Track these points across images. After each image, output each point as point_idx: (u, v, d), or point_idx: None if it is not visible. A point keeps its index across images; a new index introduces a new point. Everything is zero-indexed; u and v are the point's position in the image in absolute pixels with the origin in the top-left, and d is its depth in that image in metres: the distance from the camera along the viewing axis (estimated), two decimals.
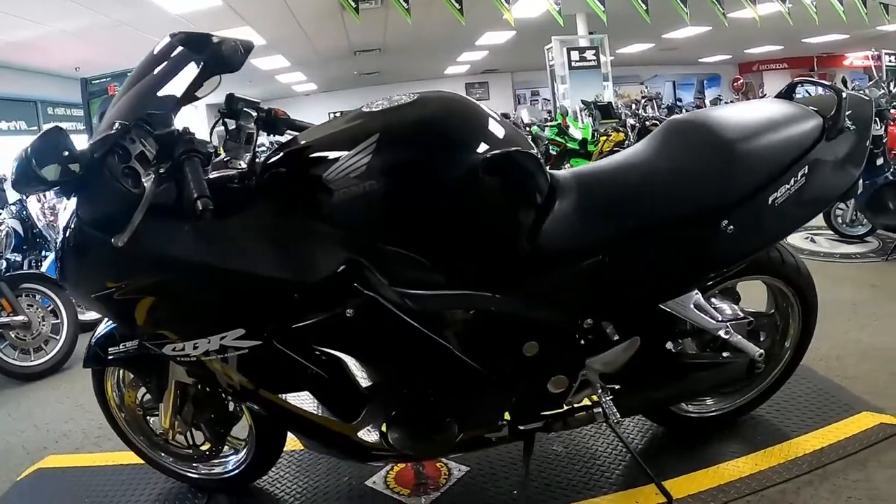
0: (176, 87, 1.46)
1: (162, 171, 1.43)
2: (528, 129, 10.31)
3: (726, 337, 1.77)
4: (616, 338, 1.71)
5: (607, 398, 1.75)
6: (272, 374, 1.66)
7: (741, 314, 1.90)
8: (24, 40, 9.65)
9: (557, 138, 8.46)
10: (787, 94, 1.94)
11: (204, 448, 2.12)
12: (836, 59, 19.67)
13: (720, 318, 1.79)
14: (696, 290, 1.75)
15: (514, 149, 1.54)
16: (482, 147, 1.51)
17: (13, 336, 3.85)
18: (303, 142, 1.57)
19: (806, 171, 1.70)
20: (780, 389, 2.27)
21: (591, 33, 10.75)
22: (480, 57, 17.50)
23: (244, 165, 1.64)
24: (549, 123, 9.40)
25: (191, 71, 1.45)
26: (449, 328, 1.61)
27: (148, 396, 2.11)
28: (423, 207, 1.49)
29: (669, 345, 1.89)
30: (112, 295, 1.49)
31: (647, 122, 8.52)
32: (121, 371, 2.11)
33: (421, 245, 1.50)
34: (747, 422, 2.30)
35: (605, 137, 9.29)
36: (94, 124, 7.45)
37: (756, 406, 2.27)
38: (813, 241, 5.18)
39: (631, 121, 8.82)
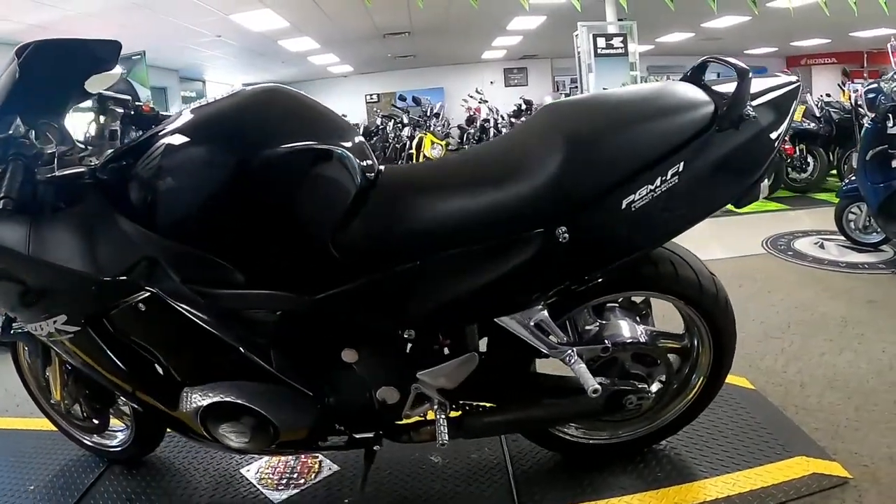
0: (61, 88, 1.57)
1: None
2: None
3: (570, 363, 1.57)
4: (447, 352, 1.58)
5: (441, 416, 1.62)
6: (100, 357, 1.64)
7: (626, 335, 1.72)
8: (45, 22, 9.75)
9: None
10: (694, 75, 1.62)
11: (95, 421, 2.13)
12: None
13: (564, 341, 1.62)
14: (542, 306, 1.54)
15: (317, 146, 1.45)
16: (284, 143, 1.41)
17: None
18: (139, 138, 1.51)
19: (679, 170, 1.43)
20: (721, 417, 2.12)
21: (620, 20, 10.33)
22: (515, 42, 17.21)
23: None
24: None
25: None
26: (256, 328, 1.54)
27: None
28: (212, 205, 1.41)
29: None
30: None
31: None
32: None
33: (217, 244, 1.44)
34: (655, 454, 2.05)
35: None
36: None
37: (663, 437, 2.02)
38: (822, 246, 4.81)
39: None
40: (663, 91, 1.61)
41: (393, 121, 11.95)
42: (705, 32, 15.02)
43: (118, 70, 1.65)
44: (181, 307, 1.51)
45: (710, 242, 5.68)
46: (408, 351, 1.56)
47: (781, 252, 4.75)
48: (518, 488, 1.95)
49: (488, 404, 1.75)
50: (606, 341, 1.69)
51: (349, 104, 19.54)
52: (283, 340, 1.57)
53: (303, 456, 2.18)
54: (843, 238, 4.80)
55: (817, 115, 7.32)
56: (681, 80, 1.63)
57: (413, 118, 11.16)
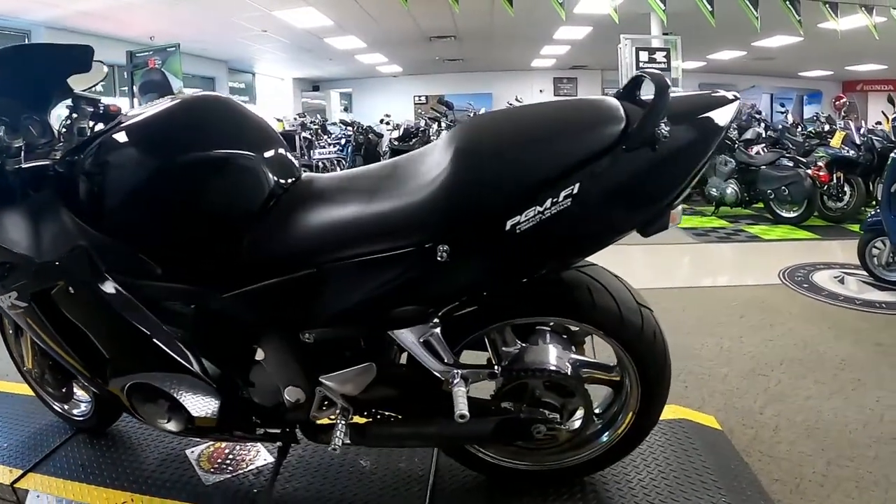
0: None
1: None
2: None
3: (452, 384, 1.55)
4: (348, 359, 1.57)
5: (341, 421, 1.62)
6: (46, 331, 1.74)
7: (538, 362, 1.65)
8: (93, 10, 10.04)
9: None
10: (627, 90, 1.48)
11: (62, 390, 2.23)
12: None
13: (448, 361, 1.56)
14: (433, 324, 1.52)
15: (230, 153, 1.56)
16: (203, 150, 1.54)
17: None
18: (88, 137, 1.65)
19: (574, 192, 1.31)
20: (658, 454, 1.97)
21: (665, 34, 10.10)
22: (564, 51, 17.07)
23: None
24: None
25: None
26: (173, 320, 1.60)
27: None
28: (133, 201, 1.51)
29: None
30: None
31: None
32: None
33: (137, 238, 1.55)
34: (583, 486, 1.94)
35: None
36: (136, 94, 7.69)
37: (592, 471, 1.91)
38: (842, 281, 4.58)
39: None
40: (574, 106, 1.50)
41: (437, 123, 11.97)
42: (757, 52, 14.68)
43: (104, 69, 1.84)
44: (105, 293, 1.59)
45: (725, 268, 5.53)
46: (310, 354, 1.57)
47: (797, 284, 4.53)
48: (432, 503, 1.90)
49: (391, 415, 1.72)
50: (497, 367, 1.63)
51: (398, 104, 19.71)
52: (198, 333, 1.62)
53: (242, 444, 2.22)
54: (865, 273, 4.56)
55: (857, 142, 7.01)
56: (614, 94, 1.51)
57: (453, 122, 11.11)
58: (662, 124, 1.31)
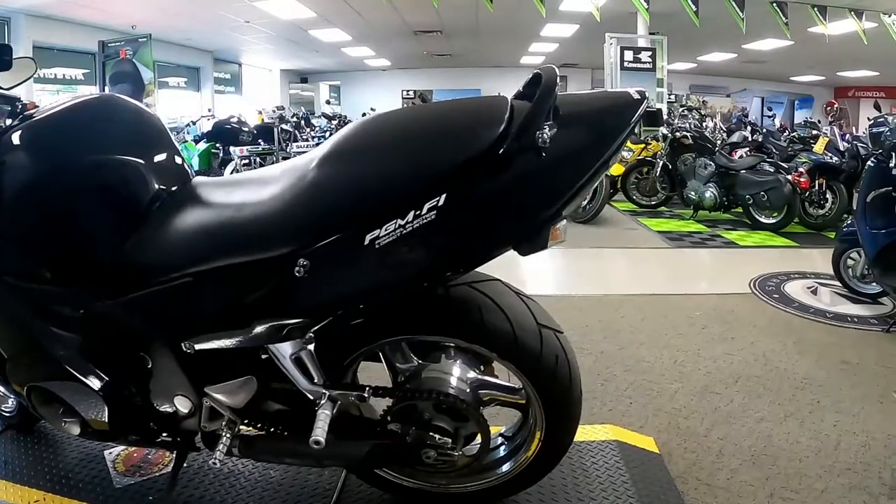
0: None
1: None
2: None
3: (319, 405, 1.47)
4: (230, 372, 1.50)
5: (227, 433, 1.55)
6: None
7: (429, 383, 1.54)
8: None
9: None
10: (526, 89, 1.28)
11: None
12: None
13: (317, 381, 1.48)
14: (305, 340, 1.41)
15: (111, 158, 1.53)
16: (88, 153, 1.52)
17: None
18: None
19: (439, 204, 1.19)
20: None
21: (652, 34, 9.93)
22: (552, 49, 17.08)
23: None
24: None
25: None
26: (66, 324, 1.55)
27: None
28: (19, 204, 1.46)
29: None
30: None
31: (677, 134, 7.72)
32: None
33: (25, 240, 1.50)
34: None
35: (641, 146, 8.59)
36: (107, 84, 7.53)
37: (502, 495, 1.77)
38: (815, 292, 4.39)
39: (663, 130, 8.02)
40: (461, 108, 1.34)
41: None
42: (748, 54, 14.57)
43: (33, 65, 1.88)
44: None
45: (694, 275, 5.33)
46: (193, 364, 1.50)
47: (767, 294, 4.33)
48: None
49: (276, 430, 1.62)
50: (369, 390, 1.51)
51: (386, 98, 19.62)
52: (88, 340, 1.56)
53: (158, 449, 2.12)
54: (839, 285, 4.37)
55: (841, 148, 6.83)
56: (514, 94, 1.32)
57: None
58: (547, 127, 1.16)
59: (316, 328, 1.43)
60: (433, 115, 1.37)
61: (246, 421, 1.58)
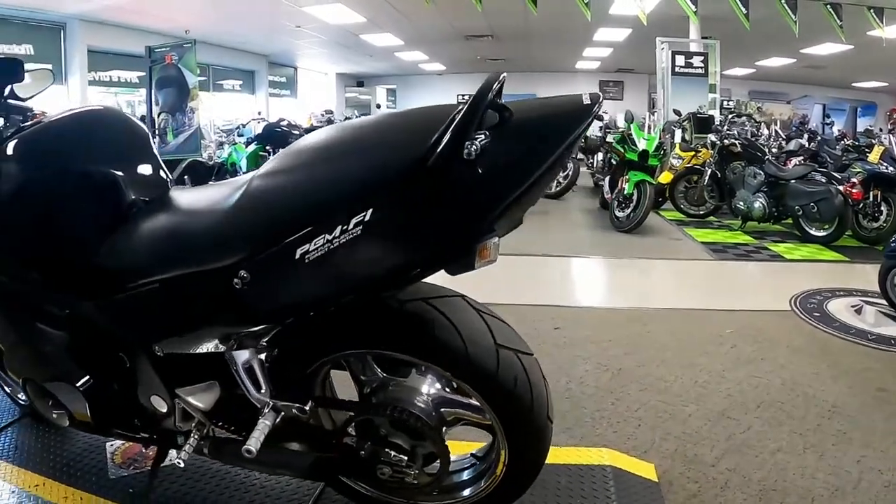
0: None
1: None
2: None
3: (262, 414, 1.49)
4: (196, 375, 1.56)
5: (195, 434, 1.61)
6: None
7: (387, 399, 1.53)
8: (125, 4, 10.10)
9: (618, 147, 7.57)
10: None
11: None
12: None
13: (262, 391, 1.48)
14: (256, 349, 1.46)
15: (90, 169, 1.62)
16: (70, 162, 1.62)
17: None
18: None
19: (365, 219, 1.17)
20: None
21: (705, 38, 9.65)
22: (606, 54, 16.79)
23: None
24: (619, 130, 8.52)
25: None
26: (52, 320, 1.64)
27: None
28: (6, 209, 1.57)
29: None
30: None
31: (726, 142, 7.47)
32: None
33: (13, 244, 1.60)
34: None
35: (691, 154, 8.35)
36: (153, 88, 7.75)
37: None
38: (859, 311, 4.16)
39: (712, 137, 7.77)
40: (400, 119, 1.34)
41: None
42: (807, 59, 14.06)
43: (50, 76, 2.10)
44: None
45: (733, 289, 5.11)
46: (164, 367, 1.56)
47: (807, 312, 4.12)
48: None
49: (240, 435, 1.64)
50: (309, 404, 1.52)
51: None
52: (73, 339, 1.64)
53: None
54: (887, 304, 4.13)
55: None
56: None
57: None
58: (480, 137, 1.11)
59: (266, 338, 1.47)
60: (374, 127, 1.34)
61: (219, 424, 1.62)
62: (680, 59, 9.48)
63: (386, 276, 1.24)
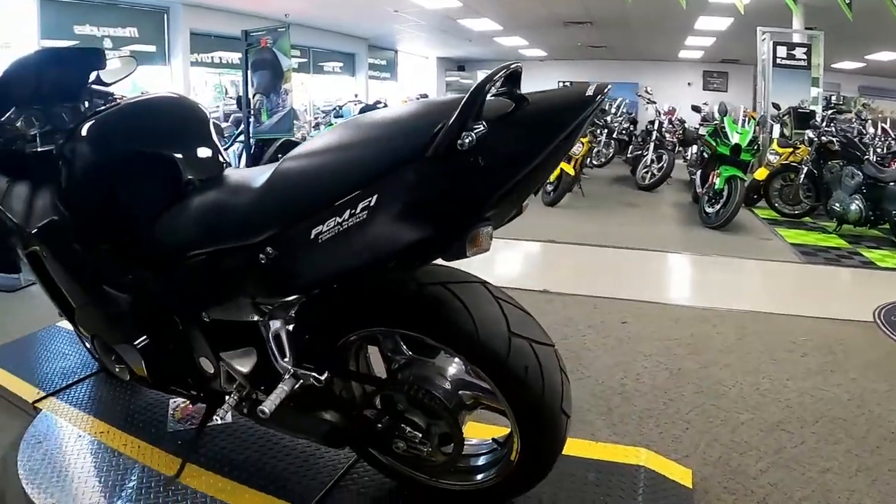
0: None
1: None
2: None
3: (283, 379, 1.59)
4: (236, 341, 1.69)
5: (234, 395, 1.74)
6: (43, 279, 2.02)
7: (406, 377, 1.61)
8: None
9: (710, 140, 7.34)
10: (505, 86, 1.26)
11: None
12: None
13: (286, 358, 1.59)
14: (283, 321, 1.59)
15: (149, 151, 1.78)
16: (132, 145, 1.78)
17: None
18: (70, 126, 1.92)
19: (371, 204, 1.25)
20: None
21: (808, 28, 9.17)
22: (709, 43, 16.18)
23: None
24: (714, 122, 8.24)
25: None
26: (116, 284, 1.84)
27: None
28: (78, 186, 1.79)
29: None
30: None
31: (823, 139, 7.12)
32: None
33: (88, 217, 1.80)
34: None
35: (789, 150, 8.01)
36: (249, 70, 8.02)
37: (485, 501, 1.79)
38: None
39: (810, 134, 7.42)
40: (415, 110, 1.36)
41: None
42: None
43: (133, 63, 2.26)
44: (62, 261, 1.89)
45: (816, 295, 4.90)
46: (211, 332, 1.71)
47: (891, 325, 3.90)
48: (331, 492, 1.94)
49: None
50: (325, 374, 1.59)
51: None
52: (136, 303, 1.82)
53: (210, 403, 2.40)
54: None
55: None
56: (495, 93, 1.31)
57: None
58: (480, 127, 1.16)
59: (292, 311, 1.60)
60: (392, 117, 1.38)
61: (256, 387, 1.73)
62: (782, 51, 9.06)
63: (387, 258, 1.30)
